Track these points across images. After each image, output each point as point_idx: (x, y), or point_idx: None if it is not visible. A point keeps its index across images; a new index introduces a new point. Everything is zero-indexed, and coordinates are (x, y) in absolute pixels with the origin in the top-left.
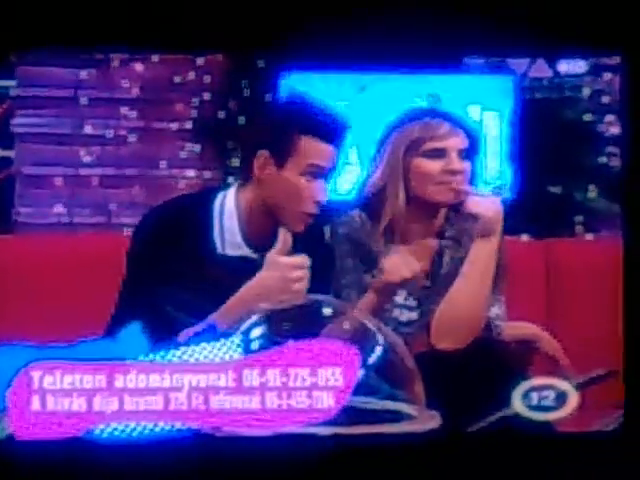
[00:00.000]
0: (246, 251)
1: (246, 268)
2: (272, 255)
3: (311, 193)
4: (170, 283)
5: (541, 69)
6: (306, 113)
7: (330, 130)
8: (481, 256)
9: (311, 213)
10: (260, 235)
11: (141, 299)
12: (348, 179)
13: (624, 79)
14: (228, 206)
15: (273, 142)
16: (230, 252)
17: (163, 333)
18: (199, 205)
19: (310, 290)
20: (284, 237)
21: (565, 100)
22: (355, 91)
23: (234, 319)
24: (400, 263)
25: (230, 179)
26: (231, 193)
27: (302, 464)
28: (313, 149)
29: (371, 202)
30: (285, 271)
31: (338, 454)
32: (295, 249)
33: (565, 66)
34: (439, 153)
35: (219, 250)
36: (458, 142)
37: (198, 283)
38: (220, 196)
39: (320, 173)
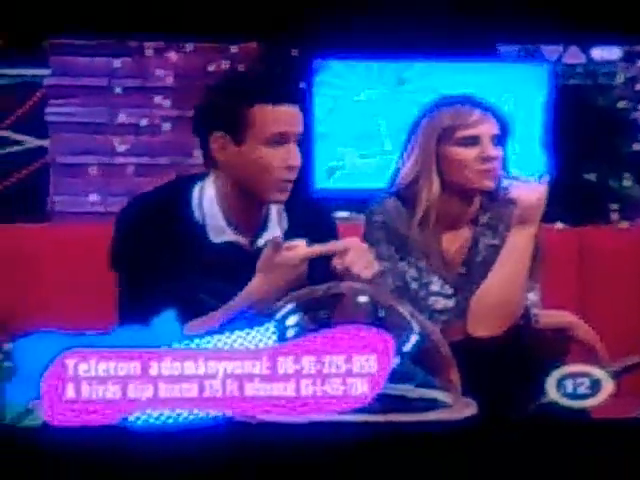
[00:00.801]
0: (232, 236)
1: (238, 254)
2: (268, 257)
3: (280, 160)
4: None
5: (575, 55)
6: (250, 82)
7: (280, 92)
8: (519, 243)
9: (287, 179)
10: (244, 217)
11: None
12: (383, 166)
13: None
14: (208, 193)
15: (225, 120)
16: (215, 239)
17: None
18: (178, 193)
19: (318, 275)
20: (276, 240)
21: (599, 87)
22: (393, 82)
23: (258, 309)
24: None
25: None
26: (210, 179)
27: (336, 451)
28: (268, 116)
29: (406, 190)
30: (288, 270)
31: (373, 442)
32: (293, 230)
33: (599, 53)
34: (473, 140)
35: (207, 237)
36: (490, 128)
37: (189, 271)
38: (199, 183)
39: (284, 139)
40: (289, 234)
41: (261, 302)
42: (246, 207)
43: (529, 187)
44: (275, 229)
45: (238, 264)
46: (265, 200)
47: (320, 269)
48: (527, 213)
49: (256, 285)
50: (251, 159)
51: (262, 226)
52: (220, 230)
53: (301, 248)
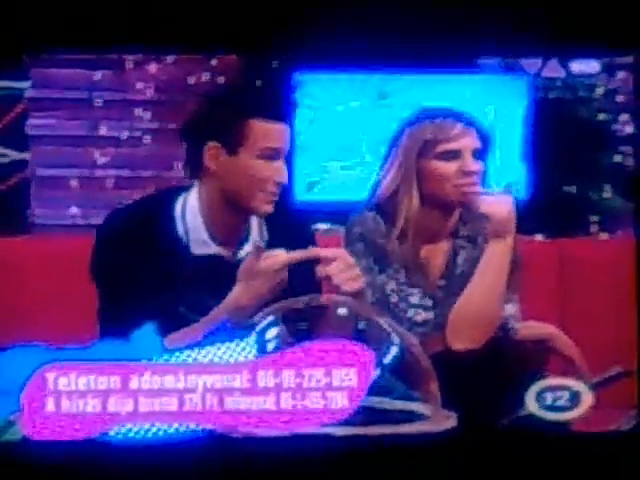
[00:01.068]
0: (214, 248)
1: (219, 266)
2: (250, 263)
3: (270, 174)
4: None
5: (554, 69)
6: (250, 96)
7: (278, 109)
8: (495, 256)
9: (274, 193)
10: (227, 229)
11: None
12: (362, 179)
13: (638, 78)
14: (191, 204)
15: (221, 131)
16: (199, 251)
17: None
18: (160, 205)
19: (299, 284)
20: (257, 245)
21: (579, 100)
22: (374, 96)
23: (235, 322)
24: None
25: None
26: (193, 191)
27: (317, 464)
28: (263, 131)
29: (385, 203)
30: (269, 277)
31: (353, 454)
32: (273, 240)
33: (578, 66)
34: (453, 154)
35: (189, 250)
36: (471, 142)
37: (171, 283)
38: (182, 196)
39: (275, 155)
40: (270, 246)
41: (242, 312)
42: (230, 218)
43: (497, 200)
44: (257, 240)
45: (220, 276)
46: (253, 211)
47: (301, 278)
48: (500, 226)
49: (237, 294)
50: (243, 170)
51: (244, 238)
52: (202, 242)
53: (282, 255)
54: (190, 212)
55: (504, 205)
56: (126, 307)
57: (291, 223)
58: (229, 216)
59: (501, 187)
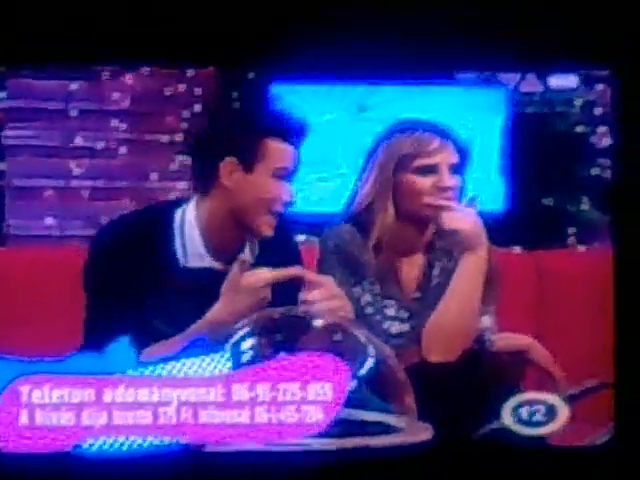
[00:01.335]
0: (210, 262)
1: (212, 280)
2: (234, 278)
3: (279, 194)
4: (140, 295)
5: (532, 84)
6: (270, 116)
7: (294, 131)
8: (468, 269)
9: (279, 213)
10: (225, 245)
11: (115, 312)
12: (339, 191)
13: (615, 91)
14: (188, 217)
15: (239, 148)
16: (193, 264)
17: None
18: (159, 217)
19: (280, 297)
20: (240, 258)
21: (556, 114)
22: (353, 108)
23: (214, 336)
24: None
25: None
26: (192, 205)
27: (292, 478)
28: (279, 151)
29: (360, 216)
30: (252, 293)
31: (328, 467)
32: (263, 256)
33: (556, 81)
34: (430, 169)
35: (181, 262)
36: (449, 157)
37: (164, 296)
38: (180, 209)
39: (286, 174)
40: (260, 260)
41: (221, 327)
42: (230, 235)
43: (462, 215)
44: (248, 255)
45: (213, 289)
46: (254, 231)
47: (282, 297)
48: (469, 239)
49: (218, 309)
50: (257, 188)
51: (238, 252)
52: (199, 255)
53: (266, 272)
54: (188, 225)
55: (468, 218)
56: (111, 319)
57: (279, 237)
58: (229, 232)
59: (465, 200)
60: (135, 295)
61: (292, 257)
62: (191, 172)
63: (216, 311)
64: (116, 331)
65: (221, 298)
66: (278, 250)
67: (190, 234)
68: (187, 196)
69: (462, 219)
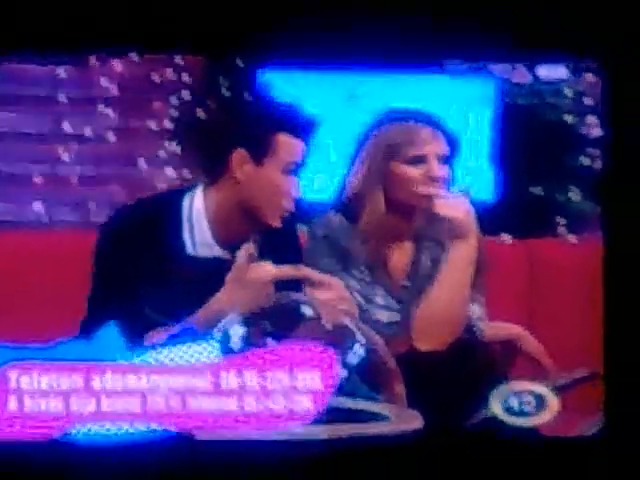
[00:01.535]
0: (218, 251)
1: (219, 269)
2: (240, 268)
3: (288, 189)
4: (141, 283)
5: (521, 75)
6: (282, 110)
7: (304, 127)
8: (458, 257)
9: (288, 209)
10: (232, 234)
11: (114, 299)
12: (328, 179)
13: (604, 82)
14: (197, 206)
15: (251, 140)
16: (202, 253)
17: (139, 333)
18: (167, 206)
19: (282, 288)
20: (246, 249)
21: (546, 105)
22: (343, 96)
23: (210, 325)
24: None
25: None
26: (199, 193)
27: (280, 466)
28: (289, 146)
29: (350, 204)
30: (254, 287)
31: (318, 456)
32: (264, 247)
33: (545, 72)
34: (420, 159)
35: (189, 251)
36: (438, 147)
37: (170, 284)
38: (188, 196)
39: (295, 169)
40: (263, 250)
41: (220, 317)
42: (238, 224)
43: (454, 202)
44: (252, 246)
45: (220, 279)
46: (263, 223)
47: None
48: (459, 228)
49: (220, 299)
50: (266, 182)
51: (245, 242)
52: (208, 246)
53: (272, 268)
54: (196, 214)
55: (461, 207)
56: (108, 305)
57: (283, 230)
58: (237, 223)
59: (458, 189)
60: (138, 282)
61: (294, 249)
62: (198, 162)
63: (217, 301)
64: (111, 317)
65: (224, 287)
66: (281, 241)
67: (198, 224)
68: (194, 183)
69: (454, 207)
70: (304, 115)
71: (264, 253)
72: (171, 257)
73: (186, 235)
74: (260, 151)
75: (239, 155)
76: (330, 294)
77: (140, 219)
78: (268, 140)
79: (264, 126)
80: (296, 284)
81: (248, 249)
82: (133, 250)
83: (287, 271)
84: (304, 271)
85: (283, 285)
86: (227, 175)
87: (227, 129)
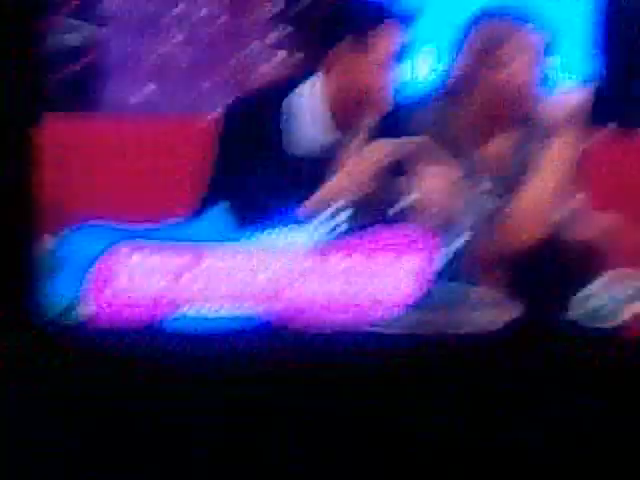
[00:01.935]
0: (335, 135)
1: (334, 154)
2: (356, 147)
3: (392, 77)
4: (254, 172)
5: None
6: None
7: (406, 14)
8: (559, 149)
9: (390, 95)
10: (349, 118)
11: (228, 184)
12: (430, 66)
13: None
14: (308, 98)
15: (354, 30)
16: (309, 146)
17: (249, 216)
18: (278, 98)
19: (391, 172)
20: (366, 126)
21: None
22: None
23: (320, 209)
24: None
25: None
26: (309, 85)
27: (382, 355)
28: (391, 34)
29: (455, 92)
30: (373, 162)
31: (417, 342)
32: (379, 131)
33: None
34: (522, 55)
35: (296, 145)
36: (538, 41)
37: (283, 172)
38: (298, 89)
39: (398, 58)
40: (376, 135)
41: (340, 196)
42: (354, 109)
43: (569, 94)
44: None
45: (331, 163)
46: (375, 108)
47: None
48: (567, 120)
49: (339, 177)
50: (369, 71)
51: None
52: (325, 129)
53: (388, 142)
54: (308, 105)
55: (575, 99)
56: (224, 188)
57: (394, 114)
58: (352, 108)
59: (576, 80)
60: (251, 171)
61: (407, 134)
62: (309, 50)
63: (337, 180)
64: (224, 199)
65: (342, 168)
66: (395, 126)
67: (310, 115)
68: (303, 74)
69: (571, 98)
70: (405, 4)
71: (378, 137)
72: (280, 150)
73: (307, 121)
74: (363, 41)
75: (343, 46)
76: (437, 179)
77: (258, 109)
78: (370, 29)
79: (365, 15)
80: (402, 172)
81: (367, 123)
82: (249, 140)
83: (404, 142)
84: (421, 139)
85: (392, 170)
86: (334, 64)
87: (336, 20)
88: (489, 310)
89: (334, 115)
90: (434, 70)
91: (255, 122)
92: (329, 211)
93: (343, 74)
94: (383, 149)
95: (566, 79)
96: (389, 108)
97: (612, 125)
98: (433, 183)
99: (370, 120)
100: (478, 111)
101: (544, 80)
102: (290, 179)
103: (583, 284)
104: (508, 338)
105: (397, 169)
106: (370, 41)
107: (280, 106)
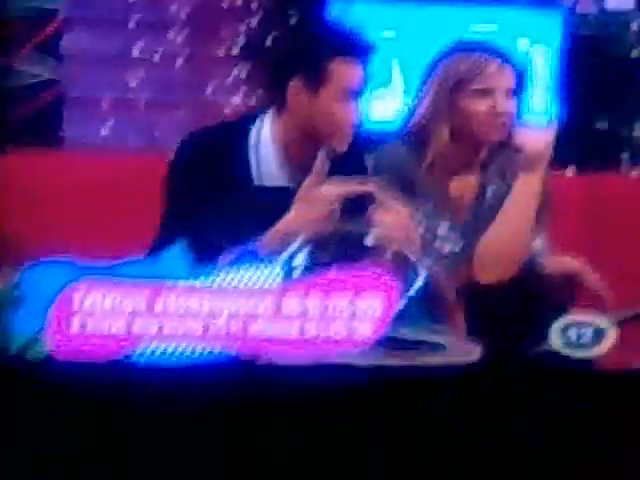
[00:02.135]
0: (285, 179)
1: (285, 199)
2: (308, 187)
3: (346, 116)
4: (209, 209)
5: (587, 5)
6: (337, 34)
7: (361, 49)
8: (525, 189)
9: (350, 134)
10: (300, 159)
11: (183, 223)
12: (393, 107)
13: None
14: (265, 134)
15: (306, 68)
16: (267, 182)
17: (205, 256)
18: (235, 133)
19: (347, 211)
20: (318, 166)
21: (612, 37)
22: (408, 25)
23: (275, 248)
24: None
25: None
26: (267, 121)
27: (339, 394)
28: (345, 71)
29: (415, 135)
30: (324, 204)
31: (375, 385)
32: (332, 171)
33: (612, 2)
34: (487, 92)
35: (256, 181)
36: (507, 81)
37: (237, 211)
38: (256, 125)
39: (353, 96)
40: (330, 175)
41: (288, 238)
42: (304, 151)
43: (536, 134)
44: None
45: (285, 208)
46: (328, 150)
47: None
48: (533, 159)
49: (289, 219)
50: (322, 110)
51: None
52: (272, 174)
53: (340, 184)
54: (264, 142)
55: (542, 139)
56: (175, 228)
57: (351, 155)
58: (305, 148)
59: (538, 120)
60: (205, 208)
61: (362, 174)
62: (264, 90)
63: (286, 222)
64: (179, 239)
65: (293, 208)
66: (348, 166)
67: (265, 152)
68: (262, 110)
69: (537, 138)
70: (360, 39)
71: (332, 177)
72: (238, 185)
73: (253, 164)
74: (315, 79)
75: (294, 85)
76: (394, 218)
77: (209, 146)
78: (323, 67)
79: (319, 52)
80: (361, 208)
81: (316, 167)
82: (203, 175)
83: (354, 187)
84: (371, 187)
85: (348, 207)
86: (287, 105)
87: (287, 57)
88: (452, 351)
89: (287, 152)
90: (395, 108)
91: (212, 159)
92: (288, 250)
93: (296, 111)
94: (334, 190)
95: (531, 119)
96: (344, 147)
97: (573, 167)
98: (390, 223)
99: (323, 159)
100: (439, 155)
101: (512, 117)
102: (248, 216)
103: (544, 323)
104: (467, 381)
105: (356, 208)
106: (323, 77)
107: (237, 142)
